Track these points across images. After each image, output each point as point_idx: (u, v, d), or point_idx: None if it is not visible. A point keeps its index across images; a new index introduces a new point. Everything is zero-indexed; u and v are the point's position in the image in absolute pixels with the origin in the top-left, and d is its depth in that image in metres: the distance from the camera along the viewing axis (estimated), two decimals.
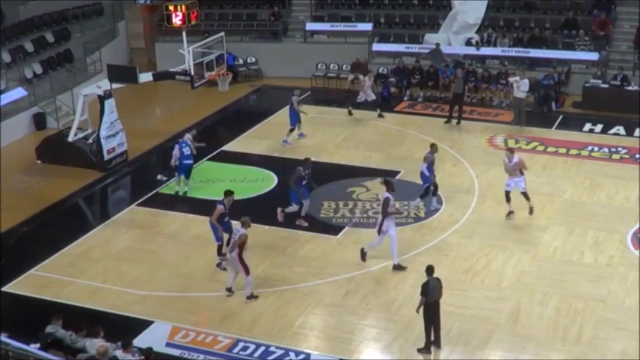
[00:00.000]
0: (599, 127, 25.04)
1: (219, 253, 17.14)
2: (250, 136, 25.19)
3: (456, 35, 29.80)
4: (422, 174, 19.40)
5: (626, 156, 22.84)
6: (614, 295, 16.01)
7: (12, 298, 16.51)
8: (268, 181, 21.77)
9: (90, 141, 23.14)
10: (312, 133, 24.71)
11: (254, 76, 31.26)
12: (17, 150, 24.48)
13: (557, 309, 15.56)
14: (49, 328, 13.14)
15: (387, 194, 16.77)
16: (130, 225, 19.68)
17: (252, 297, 16.04)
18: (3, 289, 16.74)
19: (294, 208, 18.84)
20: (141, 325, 15.32)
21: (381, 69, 29.57)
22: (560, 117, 26.20)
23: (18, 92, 25.95)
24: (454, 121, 25.65)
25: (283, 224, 18.97)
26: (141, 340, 14.28)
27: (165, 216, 19.99)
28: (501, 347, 14.57)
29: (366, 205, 20.04)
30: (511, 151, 19.36)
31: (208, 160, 22.39)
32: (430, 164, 19.32)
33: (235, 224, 16.40)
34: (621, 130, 24.77)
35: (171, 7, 21.61)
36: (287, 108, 24.55)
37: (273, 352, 14.49)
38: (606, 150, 23.21)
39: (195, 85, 21.93)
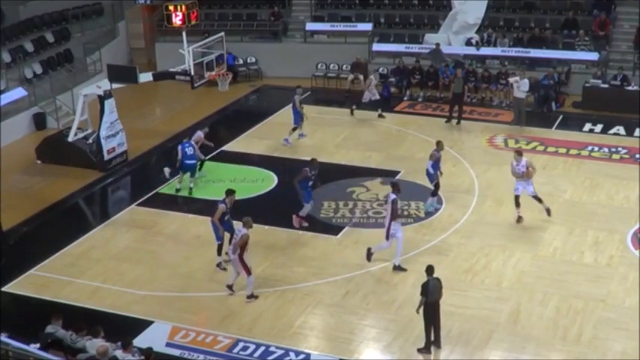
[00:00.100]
0: (599, 127, 25.04)
1: (219, 252, 17.14)
2: (250, 136, 25.19)
3: (456, 35, 29.80)
4: (427, 172, 19.39)
5: (626, 156, 22.84)
6: (614, 295, 16.01)
7: (12, 298, 16.52)
8: (268, 181, 21.77)
9: (90, 141, 23.14)
10: (312, 133, 24.71)
11: (254, 76, 31.27)
12: (17, 150, 24.48)
13: (557, 309, 15.56)
14: (49, 328, 13.14)
15: (395, 196, 16.72)
16: (130, 225, 19.68)
17: (252, 297, 16.05)
18: (3, 289, 16.74)
19: (306, 207, 18.74)
20: (141, 325, 15.32)
21: (381, 69, 29.57)
22: (560, 117, 26.20)
23: (18, 92, 25.95)
24: (454, 121, 25.66)
25: (283, 224, 18.97)
26: (141, 340, 14.28)
27: (165, 216, 19.99)
28: (501, 347, 14.57)
29: (366, 205, 20.05)
30: (519, 153, 18.96)
31: (208, 160, 22.36)
32: (436, 162, 19.29)
33: (236, 224, 16.42)
34: (621, 130, 24.78)
35: (171, 7, 21.61)
36: (287, 108, 24.56)
37: (273, 352, 14.49)
38: (606, 150, 23.21)
39: (195, 85, 21.93)
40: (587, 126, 25.24)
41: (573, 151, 23.15)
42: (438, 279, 14.29)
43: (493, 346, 14.58)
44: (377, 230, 18.75)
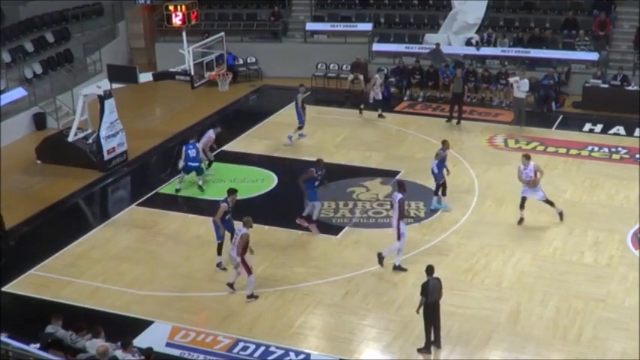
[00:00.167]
0: (599, 127, 25.04)
1: (219, 252, 17.13)
2: (250, 136, 25.18)
3: (456, 35, 29.80)
4: (432, 171, 19.39)
5: (626, 156, 22.84)
6: (614, 295, 16.01)
7: (12, 298, 16.52)
8: (268, 181, 21.77)
9: (90, 141, 23.14)
10: (312, 133, 24.70)
11: (254, 76, 31.26)
12: (17, 150, 24.48)
13: (557, 309, 15.56)
14: (49, 328, 13.14)
15: (401, 195, 16.70)
16: (130, 225, 19.67)
17: (252, 297, 16.05)
18: (3, 289, 16.74)
19: (317, 207, 18.67)
20: (141, 325, 15.32)
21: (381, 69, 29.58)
22: (560, 117, 26.20)
23: (18, 92, 25.94)
24: (454, 121, 25.66)
25: (283, 224, 18.97)
26: (141, 340, 14.29)
27: (165, 216, 19.99)
28: (501, 347, 14.57)
29: (366, 205, 20.05)
30: (527, 157, 18.84)
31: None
32: (441, 161, 19.28)
33: (237, 224, 16.41)
34: (621, 130, 24.77)
35: (171, 7, 21.61)
36: (287, 108, 24.54)
37: (273, 352, 14.49)
38: (606, 150, 23.21)
39: (195, 85, 21.93)
40: (587, 126, 25.23)
41: (573, 151, 23.15)
42: (438, 279, 14.29)
43: (493, 346, 14.58)
44: (377, 230, 18.81)
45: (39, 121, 26.31)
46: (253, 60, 31.47)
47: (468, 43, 29.51)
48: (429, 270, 14.29)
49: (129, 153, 23.59)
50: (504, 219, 19.21)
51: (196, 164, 20.87)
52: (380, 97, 26.00)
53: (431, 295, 14.06)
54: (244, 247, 15.58)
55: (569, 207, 19.56)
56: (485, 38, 29.40)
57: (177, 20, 21.65)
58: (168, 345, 14.75)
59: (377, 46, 30.41)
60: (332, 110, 27.23)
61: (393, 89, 28.43)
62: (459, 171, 21.88)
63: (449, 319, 14.91)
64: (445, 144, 19.64)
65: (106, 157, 22.74)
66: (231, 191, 17.11)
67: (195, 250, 18.18)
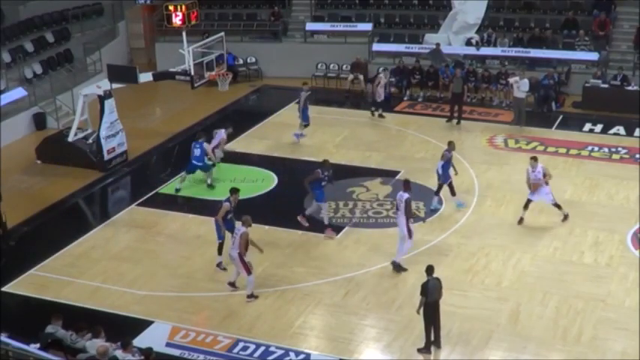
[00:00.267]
0: (599, 127, 25.04)
1: (220, 251, 17.13)
2: (250, 136, 25.18)
3: (456, 35, 29.80)
4: (437, 172, 19.40)
5: (626, 156, 22.84)
6: (614, 295, 16.01)
7: (12, 298, 16.51)
8: (268, 181, 21.78)
9: (90, 141, 23.14)
10: (312, 133, 24.68)
11: (254, 76, 31.27)
12: (17, 150, 24.47)
13: (557, 309, 15.55)
14: (49, 328, 13.15)
15: (408, 195, 16.66)
16: (130, 225, 19.67)
17: (252, 297, 16.05)
18: (3, 289, 16.74)
19: (324, 209, 18.63)
20: (141, 325, 15.32)
21: (381, 69, 29.55)
22: (560, 117, 26.20)
23: (18, 92, 25.94)
24: (454, 121, 25.66)
25: (283, 224, 18.98)
26: (141, 340, 14.29)
27: (165, 216, 19.99)
28: (501, 347, 14.57)
29: (366, 205, 20.05)
30: (535, 159, 18.84)
31: (208, 160, 22.33)
32: (447, 162, 19.27)
33: (238, 224, 16.41)
34: (621, 130, 24.78)
35: (171, 7, 21.62)
36: (287, 108, 24.52)
37: (273, 352, 14.49)
38: (606, 150, 23.21)
39: (195, 85, 21.94)
40: (587, 126, 25.24)
41: (573, 151, 23.15)
42: (437, 279, 14.28)
43: (493, 346, 14.58)
44: (377, 230, 18.83)
45: (39, 121, 26.31)
46: (253, 60, 31.48)
47: (468, 43, 29.52)
48: (429, 270, 14.29)
49: (129, 153, 23.59)
50: (504, 219, 19.21)
51: (201, 163, 20.90)
52: (382, 97, 25.95)
53: (431, 295, 14.06)
54: (244, 246, 15.57)
55: (569, 207, 19.54)
56: (485, 38, 29.41)
57: (177, 20, 21.65)
58: (168, 345, 14.74)
59: (377, 46, 30.41)
60: (332, 110, 27.23)
61: (393, 89, 28.43)
62: (459, 171, 21.83)
63: (449, 319, 14.90)
64: (451, 145, 19.60)
65: (106, 157, 22.74)
66: (234, 190, 17.11)
67: (195, 250, 18.18)
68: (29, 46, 28.48)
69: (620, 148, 23.28)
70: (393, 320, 15.36)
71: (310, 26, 31.60)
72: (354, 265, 17.33)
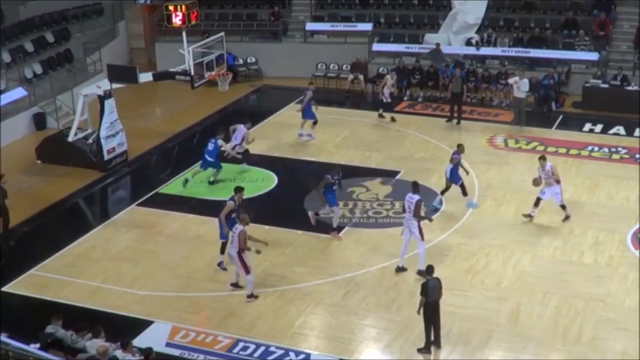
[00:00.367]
0: (599, 127, 25.04)
1: (222, 251, 17.12)
2: (250, 136, 25.11)
3: (456, 35, 29.79)
4: (445, 174, 19.44)
5: (626, 156, 22.84)
6: (614, 295, 16.01)
7: (12, 298, 16.51)
8: (268, 181, 21.77)
9: (90, 141, 23.14)
10: (313, 132, 24.67)
11: (254, 76, 31.27)
12: (17, 150, 24.47)
13: (557, 309, 15.55)
14: (49, 328, 13.14)
15: (418, 197, 16.66)
16: (130, 225, 19.67)
17: (252, 297, 16.05)
18: (3, 289, 16.74)
19: (336, 213, 18.58)
20: (141, 325, 15.32)
21: (381, 69, 29.58)
22: (560, 117, 26.20)
23: (18, 92, 25.95)
24: (454, 121, 25.66)
25: (283, 224, 18.98)
26: (141, 340, 14.29)
27: (165, 216, 19.99)
28: (501, 347, 14.57)
29: (366, 205, 20.04)
30: (543, 158, 18.99)
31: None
32: (456, 165, 19.30)
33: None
34: (621, 130, 24.78)
35: (171, 7, 21.62)
36: (287, 108, 24.49)
37: (273, 352, 14.49)
38: (606, 150, 23.21)
39: (195, 85, 21.94)
40: (587, 126, 25.24)
41: (573, 151, 23.15)
42: (437, 279, 14.28)
43: (493, 346, 14.58)
44: (377, 230, 18.83)
45: (39, 121, 26.31)
46: (253, 60, 31.48)
47: (468, 43, 29.51)
48: (429, 270, 14.30)
49: (129, 153, 23.59)
50: (504, 219, 19.22)
51: (212, 159, 20.98)
52: (389, 99, 25.86)
53: (431, 294, 14.06)
54: (243, 244, 15.53)
55: (569, 207, 19.53)
56: (485, 38, 29.40)
57: (177, 20, 21.66)
58: (168, 345, 14.74)
59: (377, 46, 30.40)
60: (332, 110, 27.20)
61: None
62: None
63: (449, 319, 14.90)
64: (460, 147, 19.63)
65: (106, 157, 22.74)
66: (238, 189, 17.11)
67: (195, 250, 18.18)
68: (29, 46, 28.48)
69: (620, 148, 23.28)
70: (393, 320, 15.36)
71: (310, 26, 31.59)
72: (354, 265, 17.33)
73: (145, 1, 29.83)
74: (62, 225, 19.93)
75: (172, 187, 21.38)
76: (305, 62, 30.14)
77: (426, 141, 24.14)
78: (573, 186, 20.89)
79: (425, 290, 14.04)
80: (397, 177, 21.49)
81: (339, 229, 18.84)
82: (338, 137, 24.69)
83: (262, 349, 14.57)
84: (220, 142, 21.26)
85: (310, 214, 18.77)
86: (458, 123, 25.61)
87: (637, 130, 24.58)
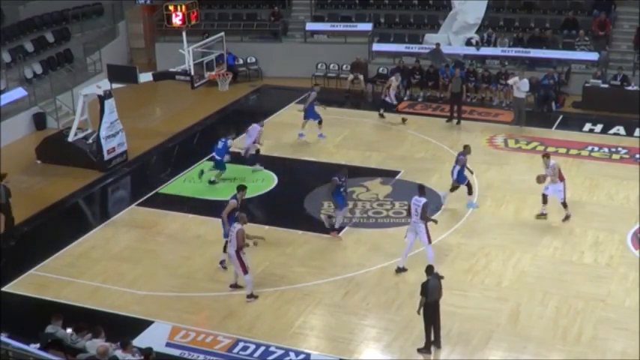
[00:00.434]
0: (599, 127, 25.04)
1: (225, 249, 17.10)
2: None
3: (456, 35, 29.79)
4: (452, 174, 19.44)
5: (626, 156, 22.84)
6: (614, 295, 16.01)
7: (12, 298, 16.51)
8: (268, 181, 21.77)
9: (90, 141, 23.14)
10: (312, 133, 24.67)
11: (254, 76, 31.26)
12: (17, 150, 24.47)
13: (557, 309, 15.55)
14: (49, 328, 13.14)
15: (425, 199, 16.68)
16: (130, 225, 19.67)
17: (252, 297, 16.05)
18: (3, 289, 16.75)
19: (343, 212, 18.61)
20: (141, 325, 15.32)
21: (381, 69, 29.57)
22: (560, 117, 26.20)
23: (18, 92, 25.95)
24: (454, 121, 25.66)
25: (283, 224, 18.98)
26: (141, 340, 14.30)
27: (165, 216, 19.99)
28: (501, 347, 14.57)
29: (366, 205, 20.04)
30: (547, 155, 19.08)
31: (208, 160, 22.36)
32: (463, 166, 19.31)
33: None
34: (621, 130, 24.78)
35: (171, 7, 21.63)
36: (287, 108, 24.47)
37: (273, 352, 14.49)
38: (606, 150, 23.21)
39: (195, 85, 21.94)
40: (587, 126, 25.24)
41: (573, 151, 23.15)
42: (437, 278, 14.27)
43: (493, 346, 14.58)
44: (377, 230, 18.83)
45: (39, 121, 26.31)
46: (253, 60, 31.48)
47: (468, 43, 29.51)
48: (429, 269, 14.30)
49: (129, 153, 23.60)
50: (504, 219, 19.22)
51: (219, 157, 20.98)
52: (394, 100, 25.84)
53: (431, 294, 14.06)
54: (242, 243, 15.53)
55: (570, 207, 19.55)
56: (485, 38, 29.40)
57: (177, 20, 21.67)
58: (168, 345, 14.74)
59: (377, 46, 30.40)
60: (332, 110, 27.10)
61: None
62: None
63: (449, 319, 14.90)
64: (466, 149, 19.64)
65: (106, 157, 22.74)
66: (241, 188, 17.12)
67: (195, 250, 18.18)
68: (29, 46, 28.49)
69: (620, 148, 23.28)
70: (393, 320, 15.36)
71: (310, 26, 31.59)
72: (354, 265, 17.33)
73: (145, 1, 29.83)
74: (62, 225, 19.94)
75: (172, 187, 21.37)
76: (305, 62, 30.13)
77: (426, 141, 24.14)
78: (573, 186, 20.83)
79: (425, 290, 14.03)
80: (397, 177, 21.50)
81: (339, 229, 18.85)
82: (338, 137, 24.69)
83: (262, 349, 14.57)
84: (230, 142, 21.26)
85: (324, 217, 18.77)
86: (458, 123, 25.61)
87: (637, 130, 24.58)
